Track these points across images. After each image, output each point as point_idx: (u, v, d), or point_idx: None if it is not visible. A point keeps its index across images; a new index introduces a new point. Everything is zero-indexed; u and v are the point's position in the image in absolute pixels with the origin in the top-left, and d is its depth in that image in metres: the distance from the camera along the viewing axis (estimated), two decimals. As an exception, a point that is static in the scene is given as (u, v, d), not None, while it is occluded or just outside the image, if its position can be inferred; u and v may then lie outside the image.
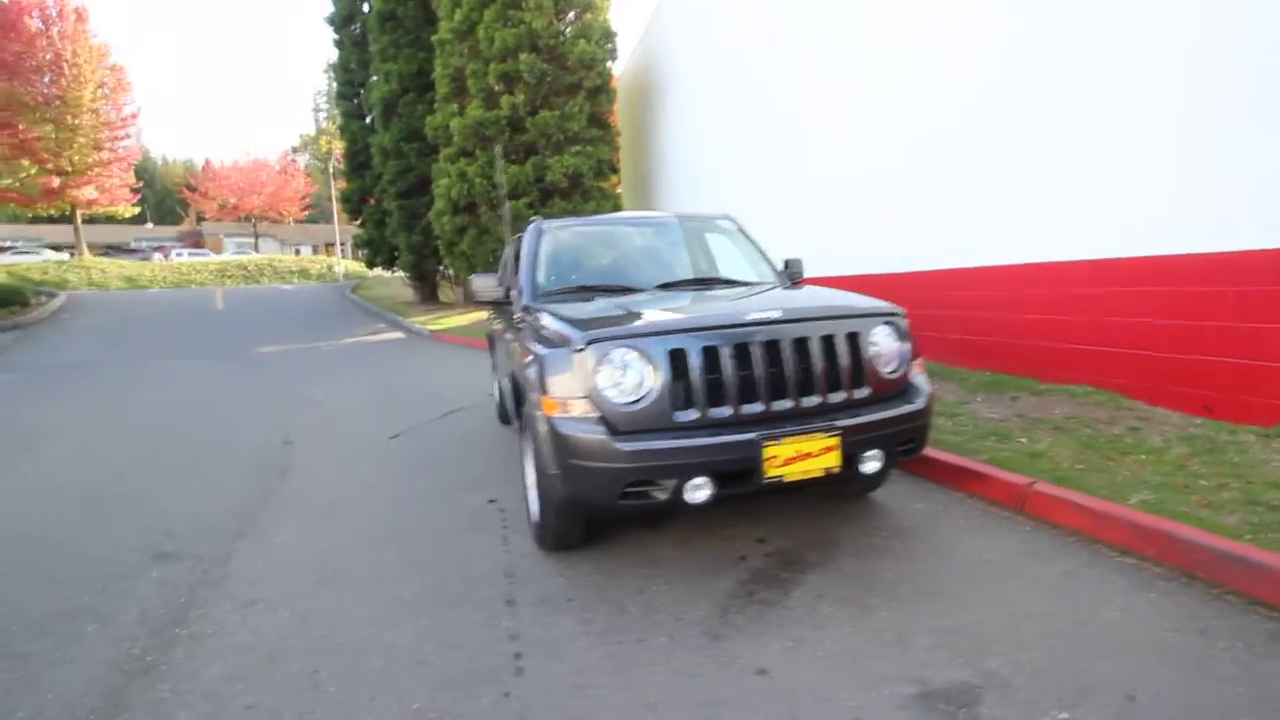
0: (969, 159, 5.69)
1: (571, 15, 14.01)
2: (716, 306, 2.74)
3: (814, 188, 8.02)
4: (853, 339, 2.66)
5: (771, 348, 2.52)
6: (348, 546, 3.27)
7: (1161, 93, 4.21)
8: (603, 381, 2.47)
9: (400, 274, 22.21)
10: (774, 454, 2.38)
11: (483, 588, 2.73)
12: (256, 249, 45.10)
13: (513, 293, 3.68)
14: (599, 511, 2.78)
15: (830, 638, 2.22)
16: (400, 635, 2.41)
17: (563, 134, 13.72)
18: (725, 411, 2.47)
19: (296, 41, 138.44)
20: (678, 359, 2.46)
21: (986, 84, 5.48)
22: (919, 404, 2.72)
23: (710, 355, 2.48)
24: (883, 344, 2.75)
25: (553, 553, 2.99)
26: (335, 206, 46.29)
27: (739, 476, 2.42)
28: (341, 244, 37.78)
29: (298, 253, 44.34)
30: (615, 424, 2.42)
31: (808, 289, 3.51)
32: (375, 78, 17.94)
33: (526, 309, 3.37)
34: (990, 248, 5.52)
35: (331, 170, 44.05)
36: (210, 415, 6.78)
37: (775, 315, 2.57)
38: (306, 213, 49.78)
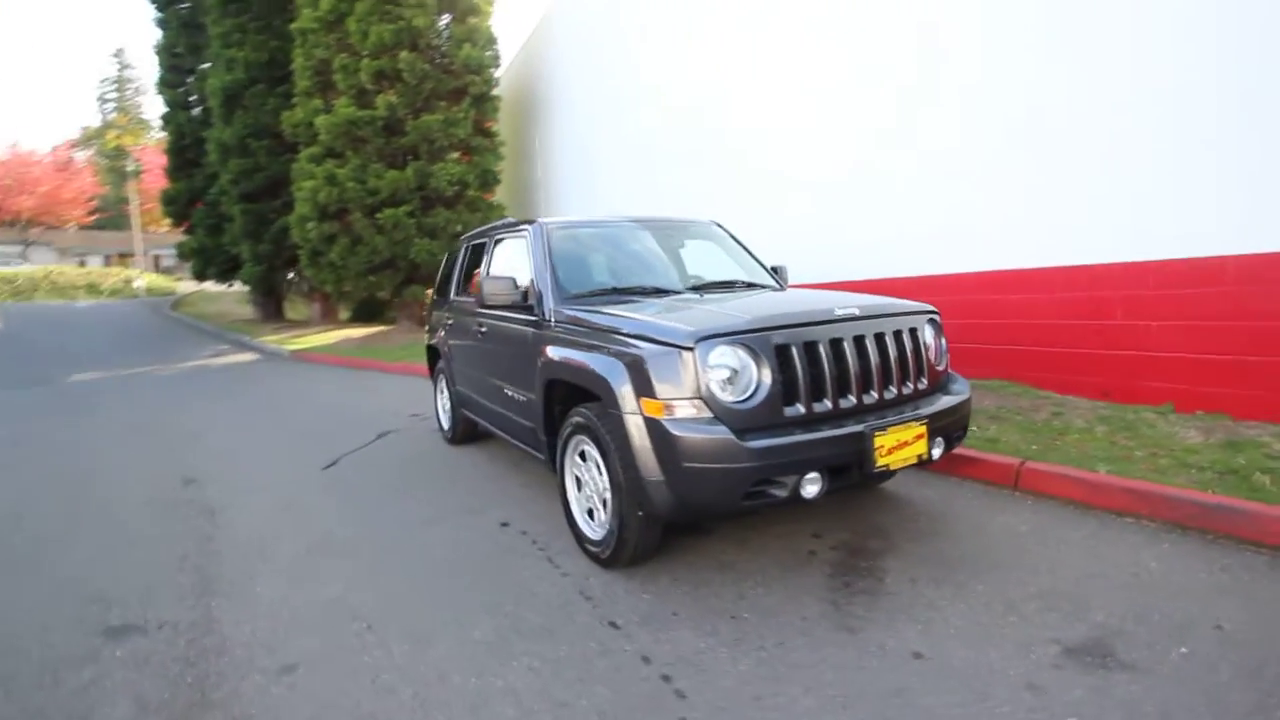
0: (885, 169, 6.32)
1: (448, 18, 13.47)
2: (799, 303, 2.79)
3: (723, 199, 8.41)
4: (913, 334, 2.85)
5: (858, 342, 2.63)
6: (362, 590, 2.82)
7: (1062, 132, 5.01)
8: (715, 380, 2.41)
9: (238, 287, 19.66)
10: (880, 444, 2.47)
11: (568, 615, 2.50)
12: (26, 259, 37.45)
13: (541, 298, 3.43)
14: (709, 515, 2.68)
15: (952, 615, 2.34)
16: (514, 678, 2.13)
17: (447, 140, 13.09)
18: (826, 405, 2.52)
19: (74, 20, 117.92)
20: (783, 355, 2.48)
21: (893, 99, 6.14)
22: (967, 393, 2.99)
23: (811, 350, 2.53)
24: (930, 339, 2.98)
25: (620, 570, 2.82)
26: (134, 210, 39.80)
27: (847, 469, 2.49)
28: (154, 255, 32.61)
29: (83, 264, 37.42)
30: (729, 423, 2.37)
31: (821, 290, 3.69)
32: (213, 64, 15.83)
33: (561, 314, 3.18)
34: (909, 261, 6.15)
35: (130, 168, 38.00)
36: (60, 455, 5.51)
37: (856, 311, 2.69)
38: (94, 217, 42.32)
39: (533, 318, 3.39)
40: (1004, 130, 5.31)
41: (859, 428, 2.45)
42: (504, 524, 3.50)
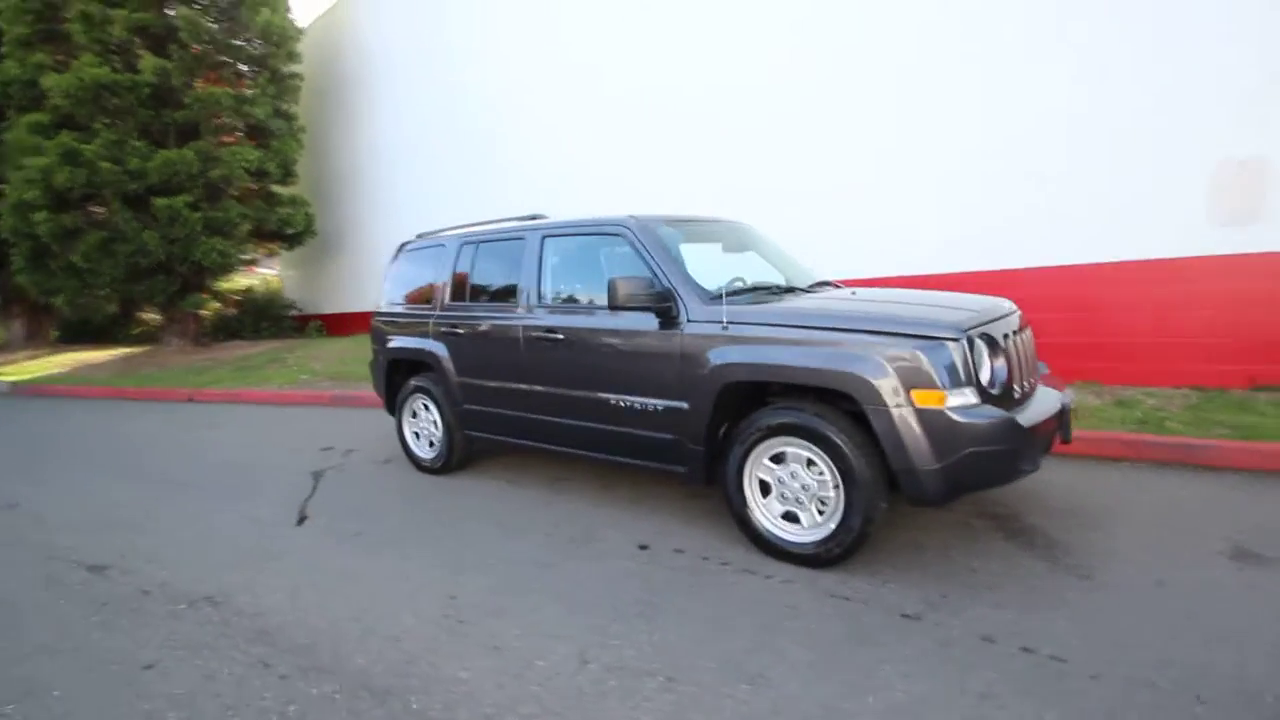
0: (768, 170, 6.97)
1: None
2: (967, 300, 3.01)
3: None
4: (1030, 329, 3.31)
5: (1019, 335, 2.97)
6: (617, 647, 2.34)
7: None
8: (981, 369, 2.53)
9: None
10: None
11: (855, 621, 2.37)
12: None
13: (678, 299, 3.12)
14: (968, 494, 2.72)
15: (1125, 550, 2.78)
16: (902, 691, 1.97)
17: (241, 120, 10.90)
18: (1018, 391, 2.81)
19: None
20: (998, 345, 2.70)
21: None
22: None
23: (1006, 341, 2.79)
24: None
25: (836, 568, 2.75)
26: None
27: (1051, 444, 2.80)
28: None
29: None
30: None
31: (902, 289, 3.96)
32: None
33: (715, 314, 2.98)
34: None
35: None
36: None
37: (1013, 308, 3.03)
38: None
39: (662, 320, 3.12)
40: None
41: (1062, 402, 2.79)
42: (643, 546, 3.15)
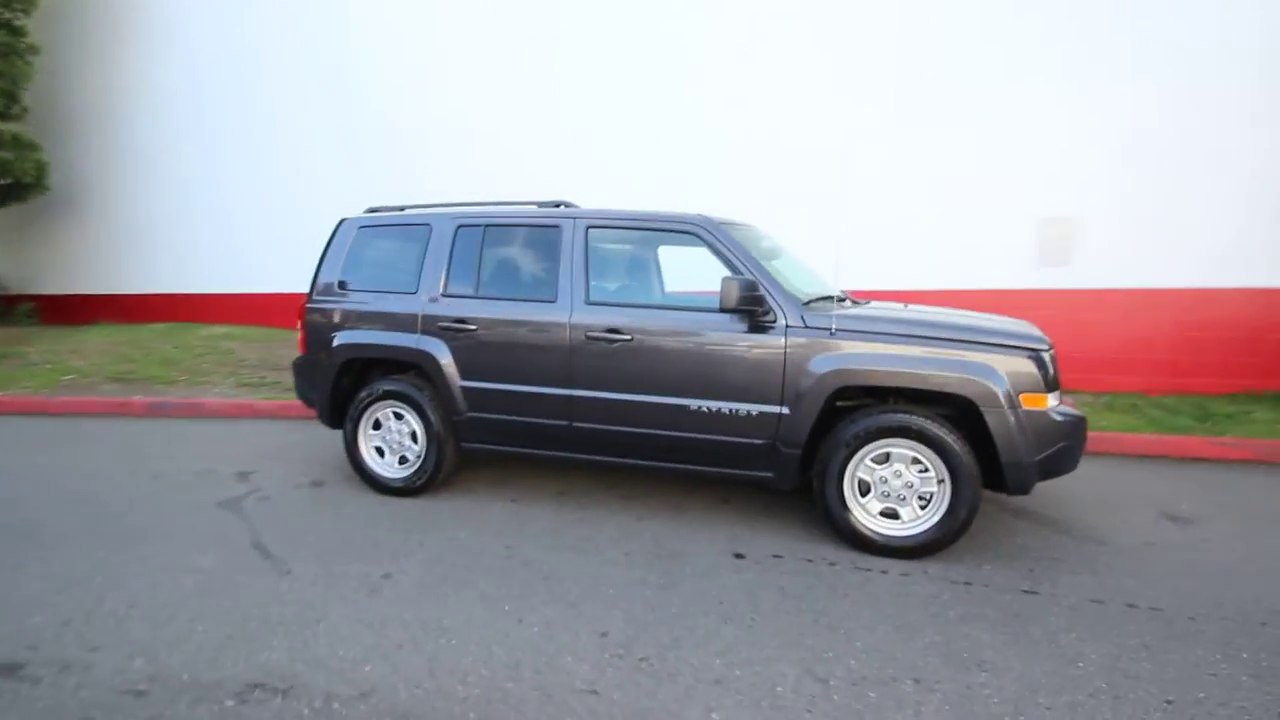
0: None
1: None
2: (1009, 319, 3.47)
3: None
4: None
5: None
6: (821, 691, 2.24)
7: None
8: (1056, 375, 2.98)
9: None
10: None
11: (1043, 615, 2.65)
12: None
13: (778, 303, 3.12)
14: (1056, 477, 3.06)
15: (1135, 529, 3.52)
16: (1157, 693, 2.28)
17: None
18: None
19: None
20: (1054, 357, 3.23)
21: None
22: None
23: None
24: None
25: (938, 558, 2.99)
26: None
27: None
28: None
29: None
30: (1064, 409, 3.01)
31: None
32: None
33: (817, 320, 3.05)
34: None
35: None
36: None
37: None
38: None
39: (761, 323, 3.10)
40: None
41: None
42: (738, 555, 3.07)
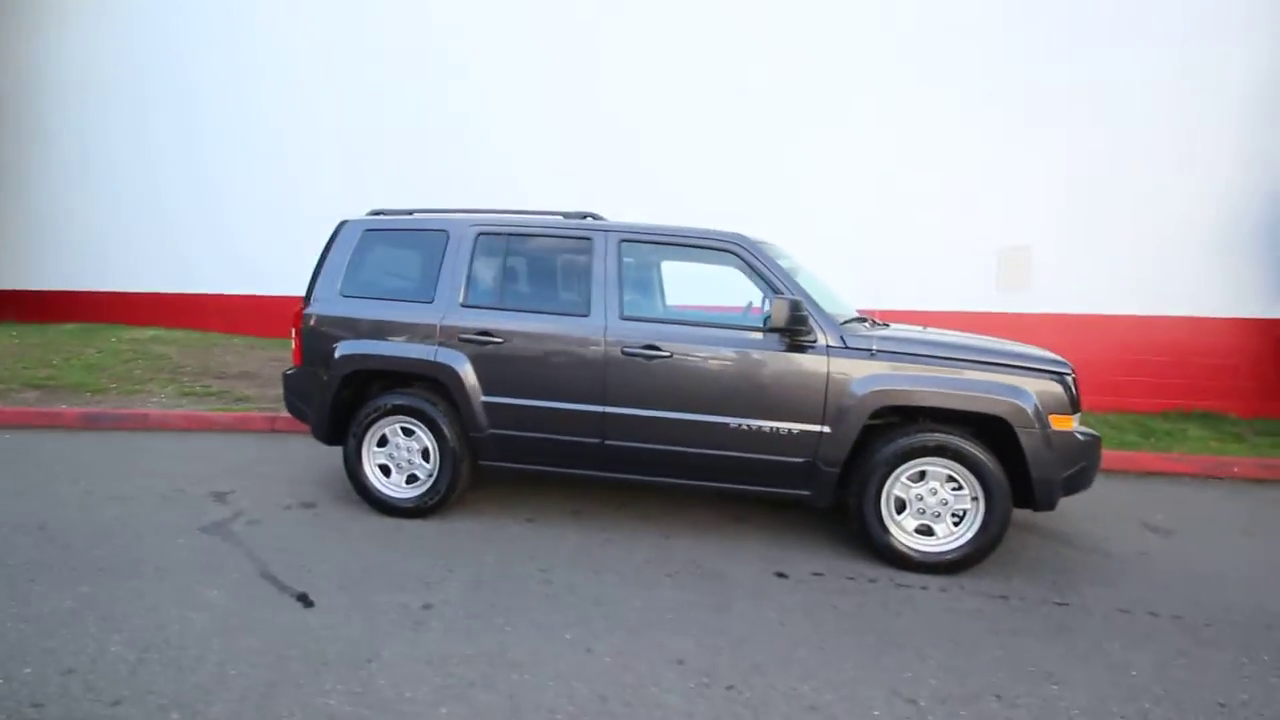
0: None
1: None
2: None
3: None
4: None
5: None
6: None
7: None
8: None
9: None
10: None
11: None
12: None
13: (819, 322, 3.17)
14: (1076, 493, 3.22)
15: (1126, 539, 3.76)
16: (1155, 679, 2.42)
17: None
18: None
19: None
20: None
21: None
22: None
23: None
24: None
25: (969, 573, 3.10)
26: None
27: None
28: None
29: None
30: (1079, 431, 3.19)
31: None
32: None
33: (856, 339, 3.13)
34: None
35: None
36: None
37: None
38: None
39: (801, 343, 3.13)
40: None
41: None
42: (780, 574, 3.06)
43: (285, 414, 5.63)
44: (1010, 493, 3.04)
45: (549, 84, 7.70)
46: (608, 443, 3.34)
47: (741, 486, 3.32)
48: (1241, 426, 5.86)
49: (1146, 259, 6.45)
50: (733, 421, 3.21)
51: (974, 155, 6.73)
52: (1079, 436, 3.08)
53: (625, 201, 6.00)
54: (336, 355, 3.59)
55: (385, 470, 3.62)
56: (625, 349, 3.28)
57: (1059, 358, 3.25)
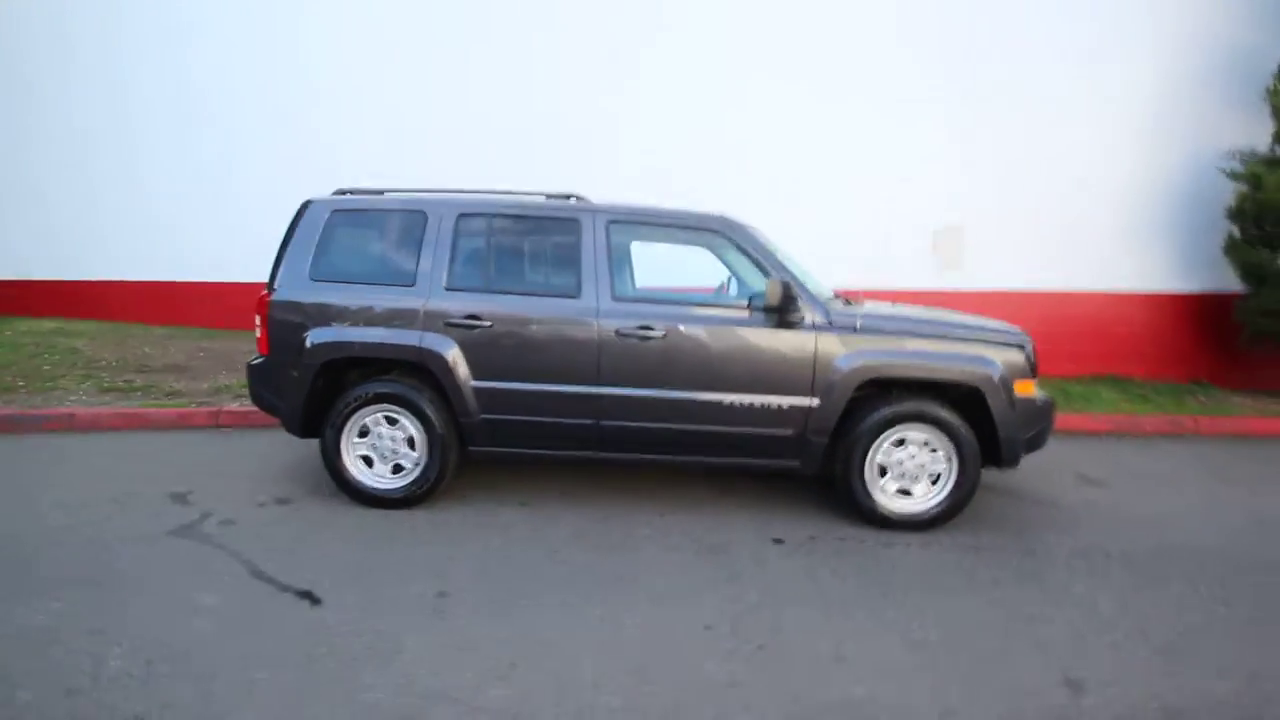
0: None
1: None
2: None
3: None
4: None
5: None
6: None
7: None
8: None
9: None
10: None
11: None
12: None
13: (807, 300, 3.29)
14: (1033, 451, 3.51)
15: (1070, 491, 4.14)
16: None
17: None
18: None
19: None
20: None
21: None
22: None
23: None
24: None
25: (927, 534, 3.36)
26: None
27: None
28: None
29: None
30: (1034, 395, 3.49)
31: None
32: None
33: (844, 317, 3.29)
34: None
35: None
36: None
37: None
38: None
39: (789, 320, 3.25)
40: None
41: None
42: (777, 540, 3.19)
43: (229, 408, 5.35)
44: (979, 453, 3.31)
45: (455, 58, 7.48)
46: (603, 423, 3.36)
47: (735, 460, 3.43)
48: (1146, 389, 6.55)
49: (1065, 240, 7.03)
50: (727, 398, 3.31)
51: (912, 144, 7.08)
52: (1038, 401, 3.38)
53: (545, 164, 5.90)
54: (310, 344, 3.41)
55: (368, 461, 3.50)
56: (619, 330, 3.31)
57: (1019, 329, 3.54)
